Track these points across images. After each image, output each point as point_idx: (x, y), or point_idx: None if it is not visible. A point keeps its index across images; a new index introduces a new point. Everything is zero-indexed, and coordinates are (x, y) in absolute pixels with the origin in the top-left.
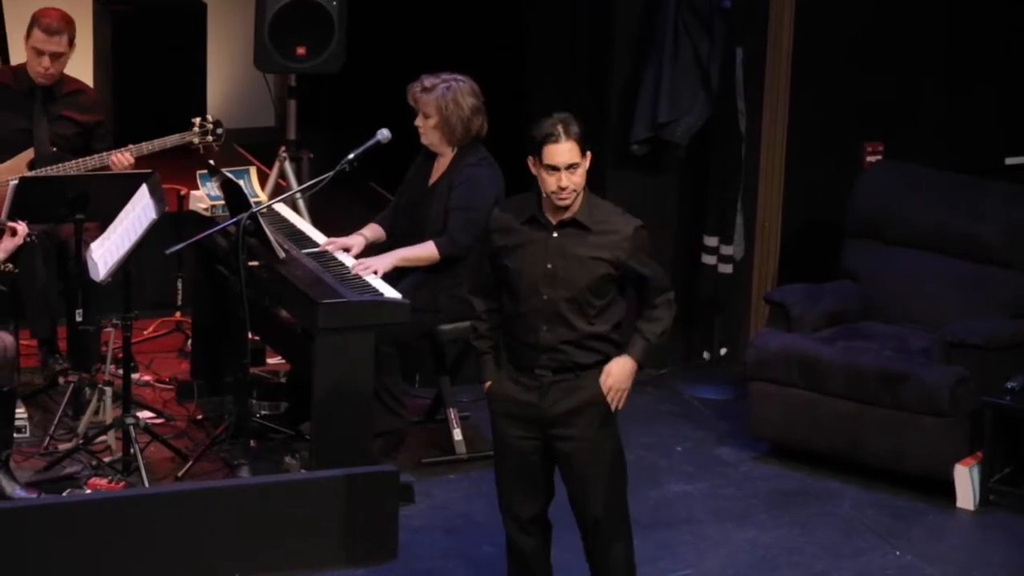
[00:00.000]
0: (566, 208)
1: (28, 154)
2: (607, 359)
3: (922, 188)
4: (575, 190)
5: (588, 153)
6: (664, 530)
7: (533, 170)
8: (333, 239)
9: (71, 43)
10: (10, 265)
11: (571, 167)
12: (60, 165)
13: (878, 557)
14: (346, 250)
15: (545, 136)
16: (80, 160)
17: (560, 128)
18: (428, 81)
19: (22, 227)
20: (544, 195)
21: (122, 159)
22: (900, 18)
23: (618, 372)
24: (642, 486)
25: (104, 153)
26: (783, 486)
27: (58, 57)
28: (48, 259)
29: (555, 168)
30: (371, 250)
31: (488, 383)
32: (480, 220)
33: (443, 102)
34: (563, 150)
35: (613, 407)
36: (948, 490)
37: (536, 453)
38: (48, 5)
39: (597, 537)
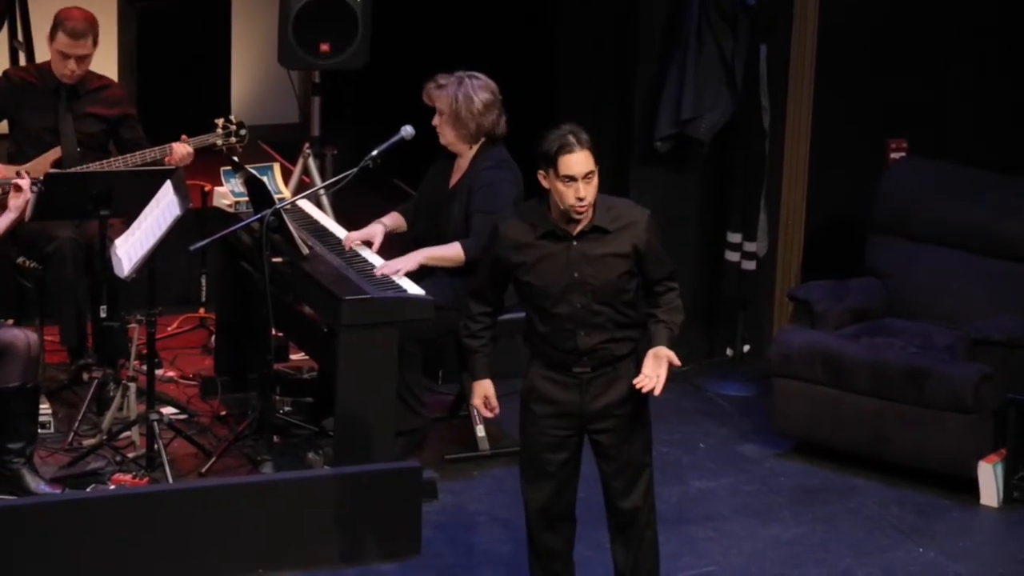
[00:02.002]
0: (580, 220)
1: (54, 153)
2: (637, 345)
3: (947, 185)
4: (591, 202)
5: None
6: (687, 527)
7: (545, 183)
8: (353, 233)
9: (95, 43)
10: (33, 262)
11: (587, 176)
12: (107, 162)
13: (902, 554)
14: (368, 243)
15: (559, 148)
16: (134, 154)
17: (572, 138)
18: (442, 79)
19: (25, 181)
20: (559, 206)
21: (178, 149)
22: (925, 14)
23: (655, 366)
24: (665, 482)
25: (165, 146)
26: (807, 483)
27: (83, 59)
28: (79, 262)
29: (572, 179)
30: (392, 240)
31: (480, 381)
32: None
33: (454, 97)
34: (579, 159)
35: (657, 390)
36: (972, 487)
37: (568, 450)
38: (72, 3)
39: (633, 527)
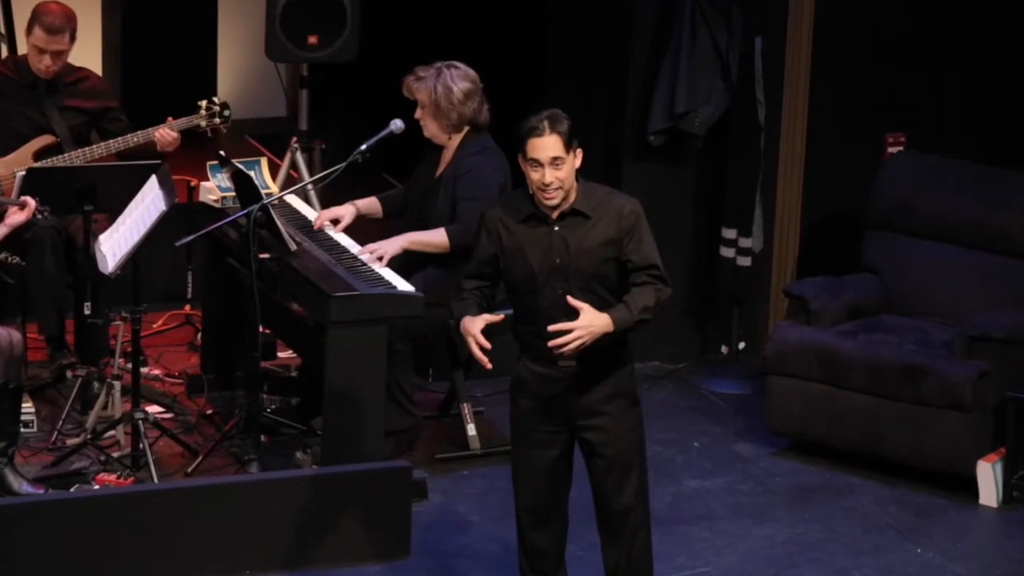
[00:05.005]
0: (557, 205)
1: (36, 143)
2: (627, 341)
3: (945, 179)
4: (560, 187)
5: (579, 150)
6: (681, 526)
7: (522, 167)
8: (323, 212)
9: (72, 38)
10: (16, 258)
11: (555, 161)
12: (88, 149)
13: (899, 554)
14: (336, 221)
15: (529, 130)
16: (119, 139)
17: (545, 123)
18: (421, 71)
19: (31, 202)
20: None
21: (166, 135)
22: (923, 6)
23: (587, 322)
24: (659, 482)
25: (149, 129)
26: (802, 482)
27: (60, 55)
28: (57, 252)
29: (538, 163)
30: (374, 228)
31: (462, 318)
32: None
33: (433, 88)
34: (546, 144)
35: (561, 347)
36: (970, 486)
37: (558, 447)
38: None
39: (624, 526)
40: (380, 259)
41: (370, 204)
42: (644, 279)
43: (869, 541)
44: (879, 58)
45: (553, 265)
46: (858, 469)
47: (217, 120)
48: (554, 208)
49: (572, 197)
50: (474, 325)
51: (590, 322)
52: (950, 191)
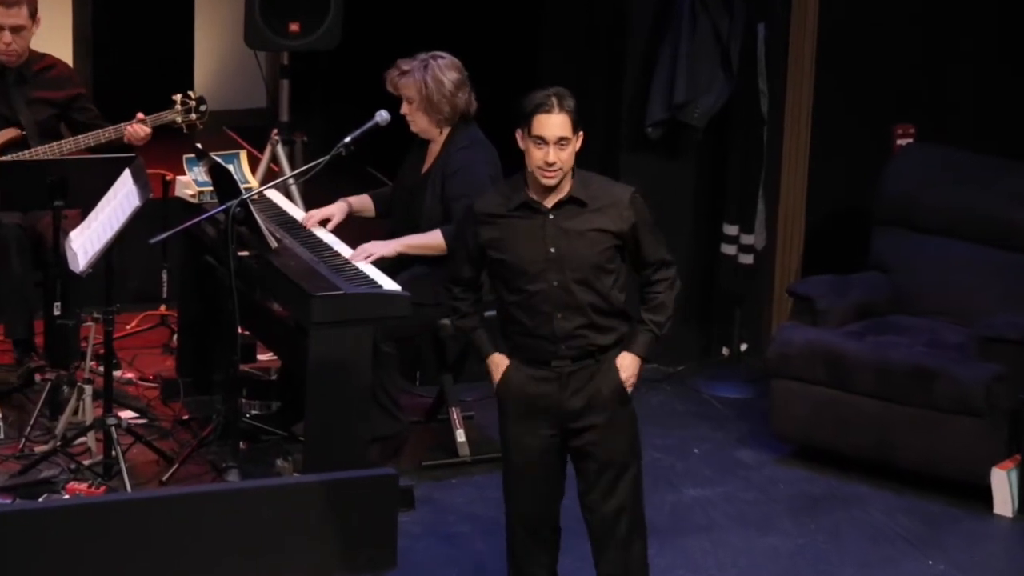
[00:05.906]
0: (555, 188)
1: (1, 136)
2: (622, 337)
3: (956, 172)
4: (561, 168)
5: (580, 133)
6: (681, 537)
7: (521, 144)
8: (312, 212)
9: (33, 15)
10: None
11: (561, 142)
12: (56, 144)
13: (910, 566)
14: (327, 220)
15: (536, 106)
16: (89, 135)
17: (554, 100)
18: (405, 64)
19: None
20: (530, 173)
21: (138, 130)
22: None
23: (627, 370)
24: (658, 490)
25: (121, 124)
26: (808, 490)
27: (19, 31)
28: (23, 251)
29: (543, 141)
30: (363, 228)
31: (491, 355)
32: None
33: (422, 82)
34: (554, 122)
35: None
36: (984, 495)
37: (551, 451)
38: None
39: (616, 532)
40: (367, 259)
41: (362, 201)
42: (654, 278)
43: (878, 552)
44: (887, 46)
45: (548, 256)
46: (866, 477)
47: (193, 116)
48: (548, 194)
49: (567, 185)
50: (496, 366)
51: (615, 368)
52: (962, 185)
